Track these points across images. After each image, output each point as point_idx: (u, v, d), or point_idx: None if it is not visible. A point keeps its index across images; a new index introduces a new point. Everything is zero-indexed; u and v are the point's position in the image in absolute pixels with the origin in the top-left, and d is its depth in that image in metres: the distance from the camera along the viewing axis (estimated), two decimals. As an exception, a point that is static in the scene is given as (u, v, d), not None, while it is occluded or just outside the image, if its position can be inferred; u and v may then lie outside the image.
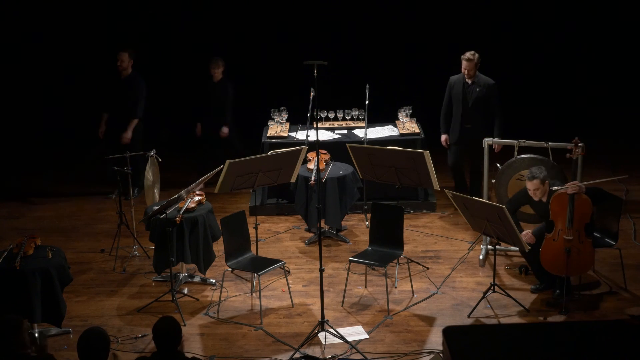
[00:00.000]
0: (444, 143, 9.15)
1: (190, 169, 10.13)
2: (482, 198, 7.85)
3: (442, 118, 9.11)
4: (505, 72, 11.75)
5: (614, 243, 7.42)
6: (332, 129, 9.63)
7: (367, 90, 9.20)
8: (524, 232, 7.17)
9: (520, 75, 11.79)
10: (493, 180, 7.94)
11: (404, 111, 9.60)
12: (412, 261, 7.99)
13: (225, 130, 9.95)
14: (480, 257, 8.05)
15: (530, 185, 7.10)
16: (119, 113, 9.68)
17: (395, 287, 7.59)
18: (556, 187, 7.01)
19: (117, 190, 8.32)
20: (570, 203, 6.88)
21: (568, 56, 11.76)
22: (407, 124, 9.51)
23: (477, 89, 8.82)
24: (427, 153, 7.38)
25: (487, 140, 7.95)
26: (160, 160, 8.37)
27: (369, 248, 7.51)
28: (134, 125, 9.63)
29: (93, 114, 10.06)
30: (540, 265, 7.15)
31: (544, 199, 7.13)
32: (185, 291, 7.60)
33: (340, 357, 6.47)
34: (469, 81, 8.85)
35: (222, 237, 7.30)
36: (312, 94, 8.91)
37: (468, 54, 8.82)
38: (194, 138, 10.15)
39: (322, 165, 8.52)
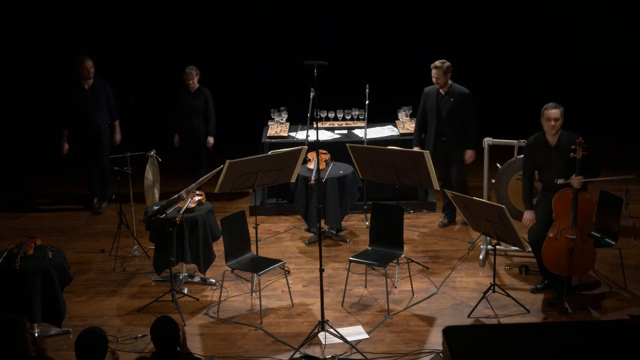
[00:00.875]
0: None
1: (190, 169, 10.12)
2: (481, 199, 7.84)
3: (416, 130, 8.76)
4: (505, 72, 11.77)
5: (614, 243, 7.42)
6: (332, 129, 9.63)
7: (367, 90, 9.20)
8: (524, 217, 7.20)
9: (520, 75, 11.79)
10: (493, 180, 7.93)
11: (404, 111, 9.60)
12: (412, 261, 7.99)
13: (211, 140, 9.53)
14: (480, 257, 8.05)
15: (554, 114, 6.97)
16: (92, 123, 9.27)
17: (395, 287, 7.59)
18: (561, 181, 6.97)
19: (117, 190, 8.31)
20: (574, 202, 6.87)
21: (568, 56, 11.76)
22: (407, 124, 9.52)
23: (451, 99, 8.41)
24: (427, 153, 7.37)
25: (486, 140, 7.94)
26: (160, 160, 8.37)
27: (369, 248, 7.51)
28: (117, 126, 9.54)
29: (53, 130, 9.59)
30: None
31: (556, 138, 7.06)
32: (185, 291, 7.60)
33: (340, 357, 6.47)
34: (443, 92, 8.45)
35: (222, 237, 7.30)
36: (312, 94, 8.91)
37: (436, 62, 8.40)
38: (172, 148, 9.68)
39: (322, 165, 8.51)
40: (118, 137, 9.54)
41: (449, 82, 8.45)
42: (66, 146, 9.38)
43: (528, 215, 7.25)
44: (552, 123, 7.02)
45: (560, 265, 6.96)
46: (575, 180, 6.87)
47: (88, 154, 9.43)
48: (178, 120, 9.61)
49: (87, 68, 9.19)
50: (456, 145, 8.48)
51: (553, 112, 7.02)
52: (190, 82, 9.37)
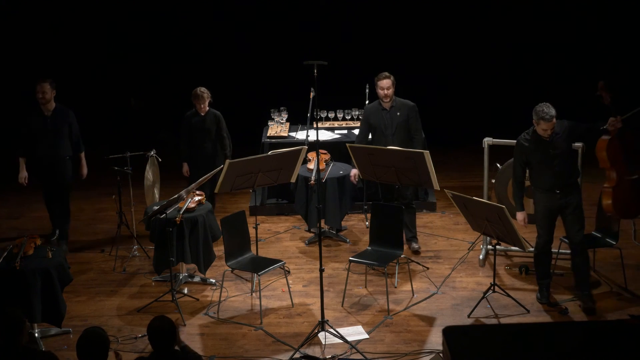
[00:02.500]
0: (354, 179, 8.20)
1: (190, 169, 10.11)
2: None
3: None
4: (506, 72, 11.77)
5: (614, 243, 7.42)
6: (332, 129, 9.63)
7: (367, 90, 9.19)
8: (518, 217, 7.20)
9: (520, 74, 11.79)
10: (493, 180, 7.93)
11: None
12: (412, 261, 7.99)
13: None
14: (480, 257, 8.05)
15: (548, 126, 6.87)
16: (52, 153, 8.32)
17: (395, 287, 7.59)
18: (603, 127, 6.93)
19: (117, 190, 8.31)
20: (622, 142, 6.90)
21: (568, 56, 11.75)
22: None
23: (398, 114, 7.97)
24: (427, 153, 7.37)
25: (486, 140, 7.94)
26: (160, 160, 8.37)
27: (369, 248, 7.51)
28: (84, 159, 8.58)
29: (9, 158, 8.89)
30: (545, 268, 7.16)
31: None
32: (185, 291, 7.60)
33: (340, 357, 6.47)
34: (387, 106, 7.99)
35: (222, 237, 7.30)
36: (312, 94, 8.91)
37: (384, 73, 7.95)
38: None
39: (322, 165, 8.52)
40: (84, 171, 8.57)
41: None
42: (24, 175, 8.41)
43: (521, 216, 7.23)
44: (547, 132, 6.92)
45: (632, 208, 7.01)
46: (618, 121, 6.88)
47: (47, 187, 8.51)
48: (187, 147, 8.70)
49: (40, 92, 8.18)
50: None
51: (545, 124, 6.88)
52: (202, 105, 8.49)
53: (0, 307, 6.17)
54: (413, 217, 8.31)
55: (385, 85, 7.93)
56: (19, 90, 11.73)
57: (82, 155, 8.53)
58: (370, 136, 8.28)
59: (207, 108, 8.58)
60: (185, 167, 8.75)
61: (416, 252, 8.24)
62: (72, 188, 8.58)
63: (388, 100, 7.99)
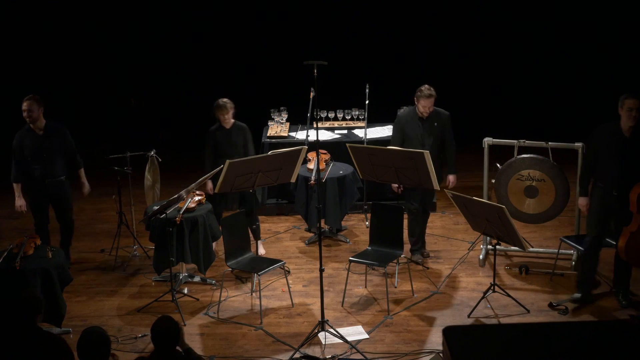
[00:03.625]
0: (397, 189, 7.97)
1: (190, 169, 10.12)
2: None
3: None
4: (506, 72, 11.77)
5: (614, 242, 7.40)
6: (332, 129, 9.63)
7: (367, 90, 9.20)
8: (580, 202, 7.12)
9: (520, 74, 11.79)
10: (493, 180, 7.93)
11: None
12: (412, 261, 7.99)
13: None
14: (480, 257, 8.06)
15: (634, 104, 6.68)
16: (48, 173, 7.75)
17: (395, 287, 7.59)
18: None
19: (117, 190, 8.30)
20: None
21: (568, 56, 11.76)
22: (407, 124, 9.50)
23: (435, 124, 7.78)
24: (427, 153, 7.37)
25: (486, 140, 7.94)
26: (160, 160, 8.37)
27: (369, 248, 7.52)
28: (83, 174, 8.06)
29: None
30: (589, 273, 7.12)
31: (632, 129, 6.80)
32: (185, 291, 7.60)
33: (340, 357, 6.47)
34: (424, 116, 7.78)
35: (222, 237, 7.30)
36: (312, 94, 8.92)
37: (429, 90, 7.68)
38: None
39: (322, 165, 8.52)
40: (85, 189, 8.07)
41: None
42: (22, 202, 7.85)
43: (583, 202, 7.13)
44: (634, 114, 6.71)
45: None
46: None
47: (44, 212, 7.90)
48: (212, 164, 7.95)
49: (25, 110, 7.60)
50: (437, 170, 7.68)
51: (631, 101, 6.72)
52: (225, 116, 7.97)
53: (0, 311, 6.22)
54: (425, 223, 8.21)
55: (428, 104, 7.68)
56: (19, 90, 11.75)
57: (81, 172, 8.00)
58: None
59: (232, 120, 8.08)
60: (210, 185, 7.96)
61: (427, 257, 8.17)
62: (72, 210, 8.07)
63: (427, 115, 7.75)
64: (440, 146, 7.87)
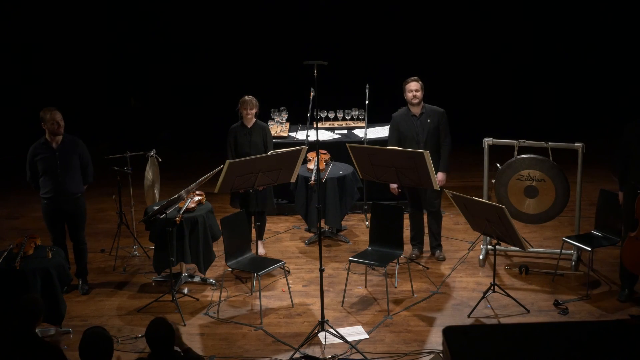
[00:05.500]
0: (395, 190, 8.00)
1: (190, 169, 10.12)
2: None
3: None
4: (506, 72, 11.77)
5: (618, 239, 7.40)
6: (332, 129, 9.63)
7: (367, 90, 9.20)
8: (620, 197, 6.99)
9: (520, 74, 11.79)
10: (493, 180, 7.93)
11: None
12: (412, 261, 7.99)
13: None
14: (480, 257, 8.05)
15: None
16: (63, 190, 7.40)
17: (395, 287, 7.59)
18: None
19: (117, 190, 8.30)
20: None
21: (568, 56, 11.76)
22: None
23: (429, 120, 7.77)
24: (427, 153, 7.37)
25: (486, 140, 7.94)
26: (160, 160, 8.37)
27: (369, 248, 7.51)
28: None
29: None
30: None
31: None
32: (185, 291, 7.60)
33: (340, 357, 6.47)
34: (417, 113, 7.81)
35: (222, 237, 7.30)
36: (312, 94, 8.91)
37: (413, 77, 7.77)
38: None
39: (322, 165, 8.52)
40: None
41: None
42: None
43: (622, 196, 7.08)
44: None
45: None
46: None
47: (60, 228, 7.56)
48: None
49: (57, 120, 7.28)
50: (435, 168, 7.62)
51: None
52: (249, 112, 7.93)
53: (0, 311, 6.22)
54: (439, 224, 8.20)
55: (414, 87, 7.75)
56: (17, 90, 11.75)
57: (84, 187, 7.66)
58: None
59: (255, 119, 8.05)
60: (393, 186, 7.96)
61: (441, 260, 8.13)
62: (84, 230, 7.73)
63: (417, 101, 7.77)
64: (437, 143, 7.85)
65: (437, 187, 7.56)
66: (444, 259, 8.13)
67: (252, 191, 7.65)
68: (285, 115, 9.77)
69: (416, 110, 7.85)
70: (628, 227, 6.98)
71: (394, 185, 7.96)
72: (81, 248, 7.69)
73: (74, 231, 7.61)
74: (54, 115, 7.26)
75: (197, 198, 7.62)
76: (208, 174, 7.40)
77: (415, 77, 7.88)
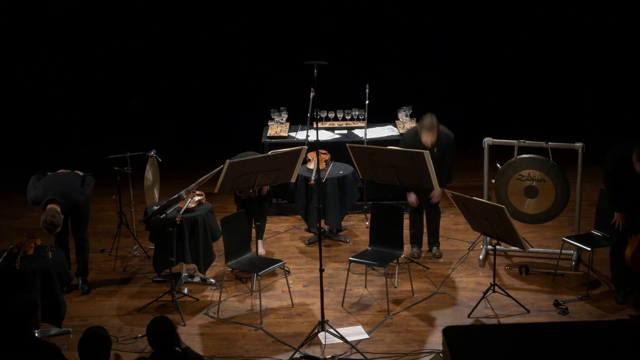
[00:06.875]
0: (414, 203, 7.99)
1: (190, 169, 10.12)
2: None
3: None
4: (506, 72, 11.77)
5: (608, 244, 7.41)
6: (332, 129, 9.63)
7: (367, 90, 9.20)
8: (616, 217, 6.95)
9: (520, 74, 11.78)
10: (493, 180, 7.93)
11: (404, 111, 9.60)
12: (412, 261, 7.99)
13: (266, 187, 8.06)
14: (480, 257, 8.05)
15: None
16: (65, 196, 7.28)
17: (395, 287, 7.59)
18: None
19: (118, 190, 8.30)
20: None
21: (568, 56, 11.75)
22: (407, 124, 9.51)
23: (435, 150, 7.73)
24: (427, 153, 7.37)
25: (486, 140, 7.94)
26: (160, 160, 8.37)
27: (369, 248, 7.51)
28: None
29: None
30: (621, 269, 7.07)
31: None
32: (185, 291, 7.60)
33: (340, 357, 6.47)
34: (429, 145, 7.71)
35: (222, 237, 7.30)
36: (312, 94, 8.91)
37: (429, 121, 7.60)
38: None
39: (322, 165, 8.52)
40: None
41: None
42: None
43: (620, 217, 6.99)
44: None
45: None
46: None
47: (63, 226, 7.29)
48: None
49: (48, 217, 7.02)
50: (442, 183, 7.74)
51: None
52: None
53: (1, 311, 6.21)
54: (437, 221, 8.20)
55: (430, 139, 7.65)
56: (18, 90, 11.75)
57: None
58: None
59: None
60: (413, 197, 7.96)
61: (438, 257, 8.16)
62: (86, 227, 7.68)
63: (430, 146, 7.68)
64: (441, 167, 7.77)
65: (437, 187, 7.56)
66: (440, 256, 8.13)
67: (255, 196, 7.65)
68: (285, 115, 9.76)
69: (428, 144, 7.73)
70: (632, 230, 6.95)
71: (412, 199, 7.93)
72: (83, 245, 7.67)
73: (76, 227, 7.60)
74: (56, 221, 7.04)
75: (197, 198, 7.62)
76: (208, 174, 7.40)
77: (432, 123, 7.62)
